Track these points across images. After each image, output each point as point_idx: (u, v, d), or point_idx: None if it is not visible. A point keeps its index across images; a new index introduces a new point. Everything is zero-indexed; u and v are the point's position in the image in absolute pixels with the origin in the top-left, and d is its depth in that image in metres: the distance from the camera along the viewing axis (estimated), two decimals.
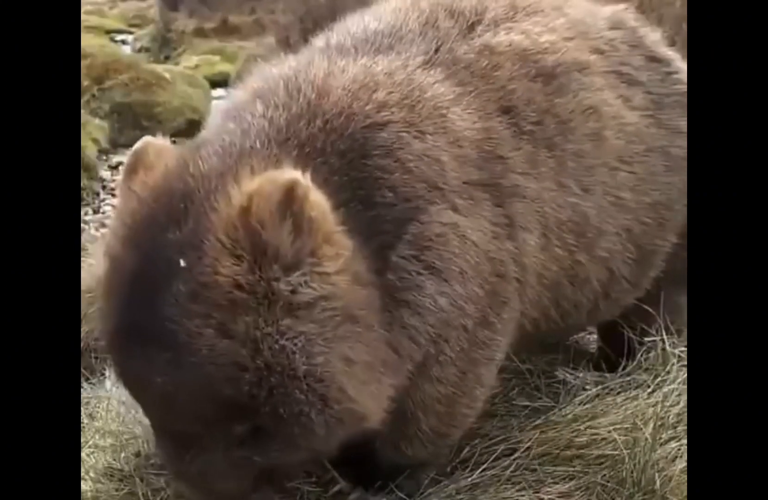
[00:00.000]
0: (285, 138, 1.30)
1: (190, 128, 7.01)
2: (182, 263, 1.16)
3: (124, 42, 12.96)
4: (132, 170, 1.31)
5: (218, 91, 8.74)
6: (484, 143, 1.47)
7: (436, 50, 1.54)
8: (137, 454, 1.74)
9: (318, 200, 1.18)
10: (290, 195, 1.13)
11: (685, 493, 1.50)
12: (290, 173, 1.16)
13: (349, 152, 1.32)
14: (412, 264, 1.33)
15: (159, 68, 8.86)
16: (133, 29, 14.17)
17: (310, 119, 1.33)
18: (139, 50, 12.12)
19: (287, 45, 7.67)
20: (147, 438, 1.76)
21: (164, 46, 12.00)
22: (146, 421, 1.80)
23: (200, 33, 11.89)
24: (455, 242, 1.38)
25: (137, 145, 1.35)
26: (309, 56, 1.52)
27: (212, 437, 1.25)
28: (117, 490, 1.62)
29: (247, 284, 1.15)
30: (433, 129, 1.41)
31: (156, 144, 1.35)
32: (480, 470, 1.60)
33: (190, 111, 7.94)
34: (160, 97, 7.96)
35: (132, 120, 7.74)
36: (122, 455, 1.72)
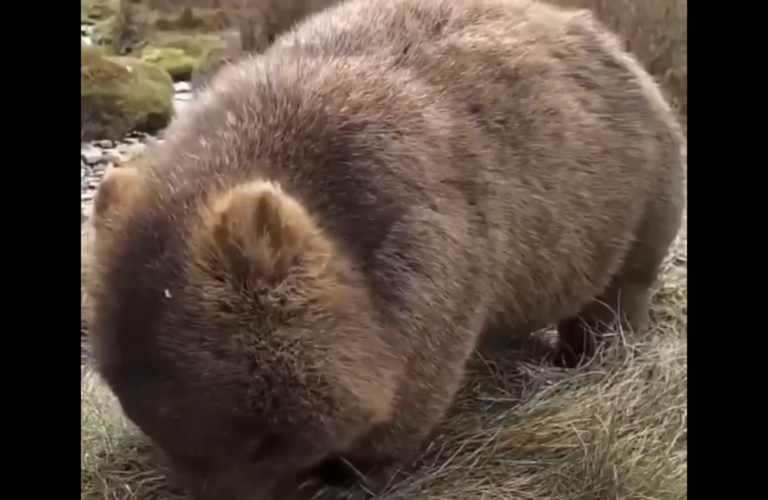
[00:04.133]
0: (258, 150, 1.29)
1: (152, 122, 6.89)
2: (167, 293, 1.16)
3: (84, 33, 12.67)
4: (102, 205, 1.30)
5: (181, 85, 8.61)
6: (457, 142, 1.50)
7: (405, 50, 1.55)
8: (101, 454, 1.73)
9: (292, 208, 1.17)
10: (263, 209, 1.13)
11: (641, 484, 1.56)
12: (260, 187, 1.15)
13: (327, 155, 1.32)
14: (397, 261, 1.35)
15: (120, 61, 8.68)
16: (93, 20, 13.86)
17: (285, 130, 1.32)
18: (100, 42, 11.84)
19: (252, 40, 7.60)
20: (111, 438, 1.75)
21: (125, 38, 11.75)
22: (110, 421, 1.80)
23: (163, 25, 11.66)
24: (436, 239, 1.40)
25: (104, 178, 1.33)
26: (278, 58, 1.50)
27: (227, 456, 1.25)
28: (81, 491, 1.61)
29: (233, 303, 1.16)
30: (410, 129, 1.42)
31: (123, 175, 1.32)
32: (444, 465, 1.63)
33: (153, 105, 7.80)
34: (122, 91, 7.80)
35: (92, 113, 7.57)
36: (86, 455, 1.71)
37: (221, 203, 1.15)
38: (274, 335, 1.17)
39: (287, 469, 1.34)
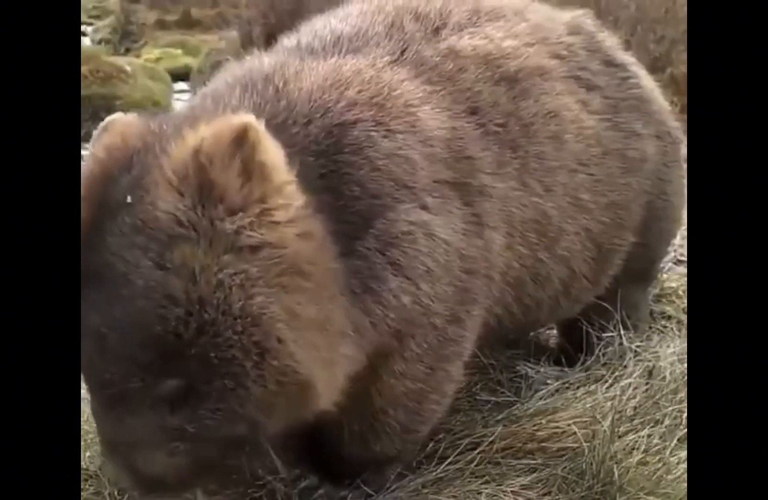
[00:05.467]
0: (259, 114, 1.28)
1: None
2: (128, 199, 1.17)
3: (83, 33, 12.66)
4: (97, 139, 1.31)
5: (180, 85, 8.63)
6: (453, 143, 1.50)
7: (403, 52, 1.56)
8: (102, 453, 1.73)
9: (270, 147, 1.17)
10: (241, 137, 1.13)
11: (641, 484, 1.56)
12: (244, 117, 1.16)
13: (322, 146, 1.33)
14: (377, 257, 1.34)
15: (119, 61, 8.69)
16: (92, 20, 13.86)
17: (280, 103, 1.35)
18: (99, 42, 11.85)
19: (250, 39, 7.60)
20: None
21: (125, 39, 11.76)
22: None
23: (162, 25, 11.68)
24: (422, 240, 1.39)
25: (105, 120, 1.34)
26: (282, 55, 1.53)
27: (141, 393, 1.18)
28: (82, 490, 1.61)
29: (188, 221, 1.14)
30: (404, 128, 1.42)
31: (124, 118, 1.34)
32: (444, 464, 1.63)
33: (152, 105, 7.80)
34: (121, 91, 7.81)
35: (92, 113, 7.57)
36: (87, 454, 1.71)
37: (205, 128, 1.16)
38: (222, 258, 1.14)
39: (202, 434, 1.21)
